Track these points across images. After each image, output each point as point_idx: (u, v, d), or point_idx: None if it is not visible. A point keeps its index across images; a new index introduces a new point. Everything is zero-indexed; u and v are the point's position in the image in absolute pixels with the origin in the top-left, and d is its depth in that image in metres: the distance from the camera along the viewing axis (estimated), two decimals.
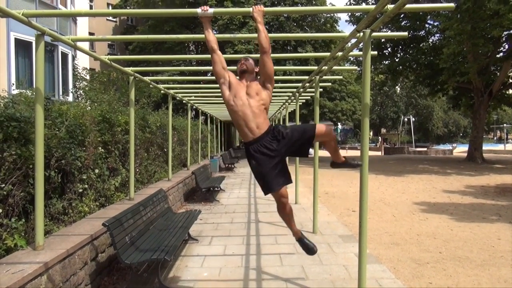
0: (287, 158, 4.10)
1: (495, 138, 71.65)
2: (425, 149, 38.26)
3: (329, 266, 4.77)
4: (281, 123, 15.23)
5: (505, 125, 57.10)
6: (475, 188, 12.18)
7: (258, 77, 3.48)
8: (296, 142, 3.24)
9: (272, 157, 3.20)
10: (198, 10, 3.34)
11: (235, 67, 3.82)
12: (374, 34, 3.67)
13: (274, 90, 10.73)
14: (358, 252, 3.52)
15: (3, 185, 3.67)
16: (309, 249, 3.71)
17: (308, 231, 6.45)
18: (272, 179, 3.22)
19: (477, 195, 10.69)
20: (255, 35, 3.45)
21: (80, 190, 5.03)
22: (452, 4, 3.55)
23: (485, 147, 28.22)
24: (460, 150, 37.49)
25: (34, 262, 3.22)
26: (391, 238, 6.25)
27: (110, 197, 6.01)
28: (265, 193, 3.37)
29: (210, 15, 3.35)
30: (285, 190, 3.32)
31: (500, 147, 42.81)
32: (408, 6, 3.13)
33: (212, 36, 3.39)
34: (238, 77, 3.49)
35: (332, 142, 3.46)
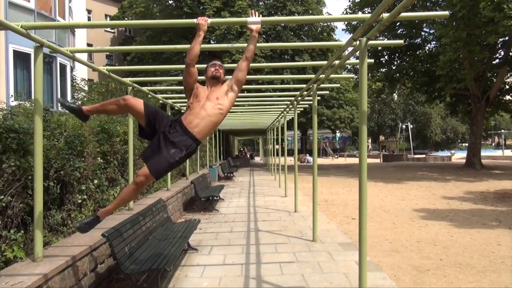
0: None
1: (493, 144, 71.79)
2: (424, 156, 38.29)
3: (329, 274, 4.75)
4: (280, 131, 15.25)
5: (503, 131, 57.23)
6: (474, 194, 12.18)
7: (225, 79, 3.49)
8: (157, 145, 3.15)
9: (162, 139, 3.14)
10: (195, 21, 3.37)
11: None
12: (370, 42, 3.70)
13: (272, 99, 10.78)
14: (359, 259, 3.51)
15: (2, 196, 3.66)
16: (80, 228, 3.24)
17: (308, 239, 6.44)
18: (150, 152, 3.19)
19: (477, 201, 10.69)
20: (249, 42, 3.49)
21: (79, 201, 5.02)
22: (446, 12, 3.60)
23: (484, 153, 28.28)
24: (459, 156, 37.54)
25: (34, 274, 3.20)
26: (391, 245, 6.24)
27: None
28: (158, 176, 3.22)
29: (208, 25, 3.38)
30: (145, 169, 3.13)
31: (498, 153, 42.90)
32: (403, 14, 3.17)
33: (198, 50, 3.33)
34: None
35: (135, 191, 3.24)
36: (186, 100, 3.44)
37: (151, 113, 3.25)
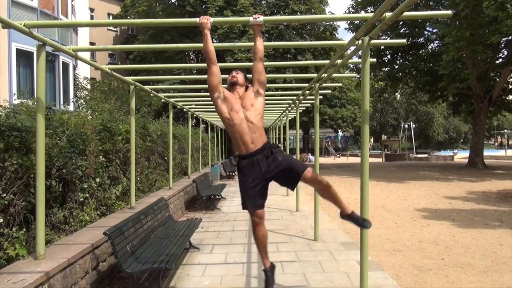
0: None
1: (496, 144, 71.57)
2: (426, 155, 38.18)
3: (330, 273, 4.75)
4: (282, 130, 15.25)
5: (505, 130, 57.04)
6: (477, 194, 12.15)
7: (249, 85, 3.52)
8: (282, 172, 3.26)
9: (257, 178, 3.24)
10: (198, 20, 3.37)
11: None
12: (373, 41, 3.70)
13: (274, 98, 10.77)
14: (360, 259, 3.52)
15: (5, 194, 3.67)
16: (361, 224, 3.56)
17: (310, 239, 6.43)
18: (249, 198, 3.27)
19: (479, 201, 10.66)
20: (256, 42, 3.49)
21: (81, 199, 5.03)
22: (449, 12, 3.59)
23: (486, 153, 28.20)
24: (461, 156, 37.44)
25: (35, 272, 3.22)
26: (393, 245, 6.23)
27: (111, 206, 6.00)
28: (243, 208, 3.40)
29: (211, 24, 3.39)
30: (262, 211, 3.31)
31: (501, 153, 42.75)
32: (406, 13, 3.16)
33: (212, 47, 3.39)
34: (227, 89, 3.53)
35: (325, 192, 3.49)
36: (211, 99, 3.45)
37: (257, 198, 3.32)
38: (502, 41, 19.77)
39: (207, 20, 3.34)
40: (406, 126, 53.33)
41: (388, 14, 3.14)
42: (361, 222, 3.45)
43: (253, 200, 3.26)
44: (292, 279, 4.59)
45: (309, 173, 3.26)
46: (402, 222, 7.98)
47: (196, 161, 14.77)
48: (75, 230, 4.68)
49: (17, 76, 12.91)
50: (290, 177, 3.30)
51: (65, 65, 15.12)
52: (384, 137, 65.47)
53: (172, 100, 9.36)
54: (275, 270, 3.57)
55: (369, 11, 23.36)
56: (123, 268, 3.87)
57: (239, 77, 3.51)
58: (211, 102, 11.76)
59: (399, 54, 25.30)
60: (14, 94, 11.68)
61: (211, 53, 3.35)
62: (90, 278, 4.01)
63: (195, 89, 11.78)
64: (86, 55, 20.30)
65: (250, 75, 3.65)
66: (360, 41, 3.59)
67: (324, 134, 55.00)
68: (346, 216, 3.54)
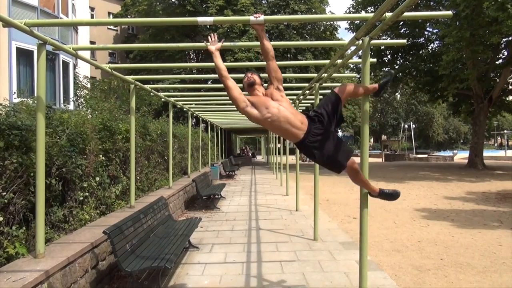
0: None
1: (495, 145, 71.59)
2: (426, 155, 38.21)
3: (330, 273, 4.76)
4: None
5: (505, 131, 57.06)
6: (476, 194, 12.16)
7: (266, 85, 3.52)
8: (330, 112, 3.34)
9: (327, 137, 3.28)
10: (199, 19, 3.38)
11: (234, 75, 3.84)
12: (373, 41, 3.70)
13: None
14: (359, 259, 3.52)
15: (4, 193, 3.68)
16: (392, 195, 3.93)
17: (309, 238, 6.44)
18: (339, 156, 3.37)
19: (478, 202, 10.67)
20: (255, 43, 3.50)
21: (81, 198, 5.04)
22: (449, 12, 3.59)
23: (486, 153, 28.21)
24: (461, 156, 37.46)
25: (35, 270, 3.22)
26: (392, 245, 6.24)
27: (110, 205, 6.01)
28: (339, 172, 3.53)
29: (210, 23, 3.39)
30: (352, 159, 3.45)
31: (501, 153, 42.77)
32: (406, 14, 3.16)
33: (223, 64, 3.34)
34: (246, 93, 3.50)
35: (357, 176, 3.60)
36: (240, 112, 3.41)
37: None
38: (502, 42, 19.78)
39: (214, 43, 3.36)
40: (406, 126, 53.40)
41: (388, 14, 3.15)
42: (393, 193, 3.92)
43: (343, 153, 3.39)
44: (291, 278, 4.59)
45: (341, 87, 3.45)
46: (401, 222, 7.98)
47: (196, 160, 14.78)
48: (75, 229, 4.69)
49: (17, 75, 12.90)
50: (335, 107, 3.41)
51: (65, 64, 15.11)
52: (384, 137, 65.50)
53: (172, 99, 9.36)
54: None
55: (369, 11, 23.40)
56: (123, 267, 3.87)
57: (255, 77, 3.49)
58: (211, 102, 11.79)
59: (400, 54, 25.33)
60: (14, 92, 11.67)
61: (222, 69, 3.30)
62: (90, 277, 4.02)
63: (195, 88, 11.80)
64: (86, 54, 20.29)
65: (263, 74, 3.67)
66: (360, 41, 3.59)
67: None
68: (377, 195, 3.92)
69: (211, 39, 3.38)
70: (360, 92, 3.54)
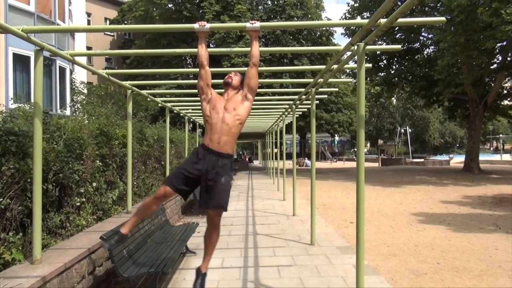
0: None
1: (491, 149, 71.93)
2: (422, 160, 38.33)
3: (327, 278, 4.76)
4: (278, 135, 15.27)
5: (501, 135, 57.38)
6: (472, 198, 12.21)
7: (240, 89, 3.55)
8: (208, 187, 3.29)
9: (196, 170, 3.29)
10: (195, 26, 3.40)
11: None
12: (368, 47, 3.74)
13: (271, 102, 10.79)
14: (356, 263, 3.53)
15: (1, 199, 3.67)
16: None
17: (306, 243, 6.45)
18: (176, 176, 3.37)
19: (475, 205, 10.71)
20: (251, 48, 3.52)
21: (78, 204, 5.03)
22: (443, 18, 3.63)
23: (482, 157, 28.33)
24: (457, 160, 37.57)
25: (32, 276, 3.21)
26: (389, 249, 6.25)
27: (107, 210, 6.00)
28: (203, 207, 3.46)
29: (207, 30, 3.41)
30: (170, 193, 3.39)
31: (497, 157, 42.96)
32: (400, 20, 3.20)
33: (204, 52, 3.46)
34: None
35: (210, 234, 3.53)
36: (200, 103, 3.51)
37: (177, 183, 3.34)
38: (496, 47, 19.93)
39: (203, 26, 3.40)
40: (402, 130, 53.59)
41: (383, 21, 3.19)
42: (201, 278, 3.60)
43: (177, 179, 3.33)
44: (288, 283, 4.59)
45: (215, 214, 3.38)
46: (398, 227, 8.01)
47: None
48: (72, 234, 4.68)
49: (14, 81, 12.89)
50: (206, 197, 3.34)
51: (62, 70, 15.10)
52: (380, 141, 65.67)
53: (169, 104, 9.38)
54: (124, 239, 3.67)
55: (365, 16, 23.54)
56: (120, 273, 3.87)
57: (235, 79, 3.54)
58: None
59: (395, 59, 25.48)
60: (11, 98, 11.66)
61: (202, 56, 3.45)
62: (87, 283, 4.00)
63: (192, 93, 11.78)
64: (83, 60, 20.29)
65: None
66: (355, 47, 3.63)
67: (320, 139, 55.14)
68: (199, 271, 3.63)
69: (201, 25, 3.41)
70: (208, 239, 3.60)
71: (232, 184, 17.30)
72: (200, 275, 3.56)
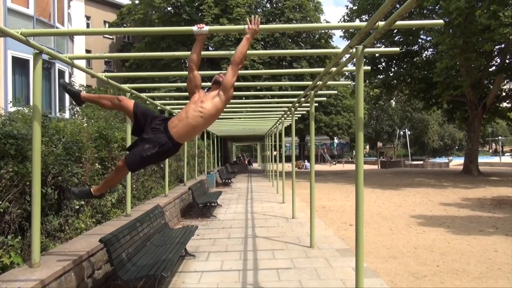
0: None
1: (490, 151, 71.98)
2: (422, 162, 38.34)
3: (326, 280, 4.75)
4: (278, 138, 15.28)
5: (500, 137, 57.45)
6: (472, 200, 12.21)
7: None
8: (138, 142, 3.32)
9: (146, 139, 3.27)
10: (194, 28, 3.40)
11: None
12: (367, 50, 3.75)
13: (270, 105, 10.78)
14: (355, 266, 3.52)
15: (0, 202, 3.67)
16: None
17: (306, 246, 6.44)
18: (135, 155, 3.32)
19: (474, 208, 10.71)
20: (251, 51, 3.51)
21: (77, 207, 5.03)
22: (441, 21, 3.65)
23: (481, 159, 28.36)
24: (456, 163, 37.61)
25: (31, 280, 3.20)
26: (388, 251, 6.25)
27: (106, 213, 5.99)
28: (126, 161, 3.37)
29: (205, 33, 3.41)
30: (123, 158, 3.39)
31: (496, 159, 43.00)
32: (398, 22, 3.21)
33: (195, 56, 3.42)
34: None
35: (116, 175, 3.48)
36: None
37: (140, 113, 3.39)
38: (495, 49, 20.00)
39: (202, 28, 3.39)
40: (402, 133, 53.58)
41: (381, 23, 3.19)
42: (86, 194, 3.62)
43: (139, 106, 3.43)
44: (288, 286, 4.59)
45: (122, 160, 3.33)
46: (397, 229, 8.00)
47: (192, 168, 14.76)
48: (71, 237, 4.67)
49: (13, 84, 12.89)
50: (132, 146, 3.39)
51: (61, 73, 15.12)
52: (379, 144, 65.70)
53: (168, 107, 9.38)
54: (89, 195, 3.63)
55: (363, 19, 23.59)
56: (119, 276, 3.86)
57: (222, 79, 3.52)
58: None
59: (394, 61, 25.53)
60: (10, 101, 11.65)
61: (192, 61, 3.46)
62: (86, 286, 3.99)
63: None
64: (82, 63, 20.27)
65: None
66: (354, 49, 3.63)
67: (320, 141, 55.16)
68: (90, 192, 3.58)
69: (199, 27, 3.39)
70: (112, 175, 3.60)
71: (235, 187, 17.29)
72: (89, 191, 3.59)
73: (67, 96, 15.33)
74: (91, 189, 3.56)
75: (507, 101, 25.02)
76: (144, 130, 3.32)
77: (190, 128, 3.28)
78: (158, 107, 9.01)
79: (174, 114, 10.19)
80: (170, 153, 3.38)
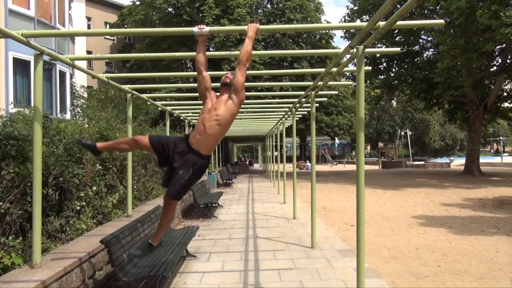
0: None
1: (492, 151, 71.85)
2: (423, 162, 38.29)
3: (327, 281, 4.75)
4: (279, 138, 15.29)
5: (501, 138, 57.35)
6: (473, 201, 12.19)
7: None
8: (170, 171, 3.33)
9: (188, 171, 3.27)
10: (194, 29, 3.39)
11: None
12: (367, 50, 3.75)
13: (271, 105, 10.78)
14: (356, 266, 3.52)
15: (1, 203, 3.67)
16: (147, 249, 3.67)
17: (307, 246, 6.43)
18: (177, 187, 3.31)
19: (475, 208, 10.69)
20: (252, 52, 3.49)
21: (78, 208, 5.03)
22: (442, 21, 3.64)
23: (482, 160, 28.29)
24: (458, 163, 37.52)
25: (32, 281, 3.21)
26: (389, 252, 6.24)
27: (107, 214, 5.99)
28: (169, 197, 3.38)
29: (206, 34, 3.41)
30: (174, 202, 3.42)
31: (497, 159, 42.93)
32: (399, 22, 3.21)
33: (201, 57, 3.44)
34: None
35: (164, 213, 3.49)
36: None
37: (156, 143, 3.42)
38: (496, 49, 19.97)
39: (202, 29, 3.39)
40: (403, 133, 53.55)
41: (381, 23, 3.19)
42: (148, 249, 3.63)
43: (157, 140, 3.46)
44: (289, 286, 4.58)
45: (166, 198, 3.36)
46: (398, 229, 7.99)
47: None
48: (72, 238, 4.67)
49: (14, 85, 12.91)
50: (168, 180, 3.37)
51: (62, 74, 15.13)
52: (380, 144, 65.63)
53: (169, 108, 9.38)
54: (151, 248, 3.65)
55: (364, 19, 23.56)
56: (120, 277, 3.86)
57: (232, 79, 3.50)
58: None
59: (395, 62, 25.50)
60: (11, 103, 11.68)
61: (198, 62, 3.47)
62: (87, 287, 3.99)
63: (192, 97, 11.80)
64: (83, 64, 20.31)
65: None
66: (355, 50, 3.63)
67: (321, 142, 55.12)
68: (151, 244, 3.60)
69: (200, 28, 3.39)
70: (165, 217, 3.56)
71: (236, 187, 17.29)
72: (148, 244, 3.61)
73: (68, 97, 15.37)
74: (150, 241, 3.57)
75: (509, 101, 24.98)
76: (170, 158, 3.32)
77: (212, 138, 3.32)
78: (159, 108, 9.01)
79: (175, 114, 10.21)
80: (204, 167, 3.39)
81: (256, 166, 45.52)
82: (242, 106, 9.87)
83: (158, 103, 8.76)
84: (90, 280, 4.09)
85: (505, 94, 24.06)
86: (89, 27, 28.89)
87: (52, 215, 4.50)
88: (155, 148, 3.40)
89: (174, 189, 3.25)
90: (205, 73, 3.48)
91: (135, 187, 7.50)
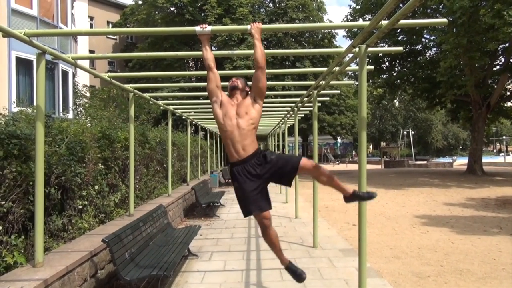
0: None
1: (494, 151, 71.62)
2: (425, 162, 38.18)
3: (329, 280, 4.74)
4: (281, 138, 15.28)
5: (504, 137, 57.14)
6: (476, 200, 12.15)
7: (249, 92, 3.54)
8: (279, 170, 3.28)
9: (254, 181, 3.23)
10: (197, 28, 3.39)
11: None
12: (370, 49, 3.73)
13: (273, 105, 10.78)
14: (358, 266, 3.52)
15: (3, 202, 3.68)
16: (298, 276, 3.68)
17: (309, 246, 6.43)
18: (251, 202, 3.26)
19: (478, 208, 10.66)
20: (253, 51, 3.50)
21: (80, 207, 5.03)
22: (445, 20, 3.62)
23: (485, 159, 28.20)
24: (460, 162, 37.43)
25: (34, 279, 3.21)
26: (391, 251, 6.23)
27: (109, 213, 6.00)
28: (244, 215, 3.39)
29: (208, 33, 3.41)
30: (267, 213, 3.34)
31: (500, 159, 42.78)
32: (402, 21, 3.20)
33: (209, 54, 3.45)
34: (228, 95, 3.55)
35: (323, 177, 3.46)
36: (211, 106, 3.50)
37: (258, 198, 3.31)
38: (499, 48, 19.88)
39: (204, 32, 3.39)
40: (405, 132, 53.41)
41: (384, 22, 3.18)
42: (368, 196, 3.58)
43: (257, 203, 3.26)
44: (291, 286, 4.58)
45: (304, 161, 3.30)
46: (401, 229, 7.97)
47: (195, 168, 14.77)
48: (74, 237, 4.68)
49: (17, 84, 12.94)
50: (287, 171, 3.30)
51: (65, 73, 15.16)
52: (383, 144, 65.51)
53: (171, 107, 9.39)
54: (292, 263, 3.74)
55: (366, 18, 23.49)
56: (122, 276, 3.86)
57: (239, 82, 3.53)
58: (210, 109, 11.83)
59: (397, 61, 25.43)
60: (14, 102, 11.71)
61: (207, 60, 3.44)
62: (89, 286, 4.00)
63: (194, 96, 11.82)
64: (85, 63, 20.35)
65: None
66: (357, 49, 3.62)
67: (323, 141, 55.05)
68: (350, 197, 3.60)
69: (202, 27, 3.39)
70: (326, 181, 3.52)
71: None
72: (287, 269, 3.71)
73: (70, 96, 15.40)
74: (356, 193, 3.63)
75: None
76: (266, 177, 3.32)
77: (254, 137, 3.41)
78: (161, 107, 9.01)
79: (177, 113, 10.20)
80: (265, 152, 3.40)
81: None
82: None
83: (160, 102, 8.77)
84: (92, 279, 4.10)
85: (508, 93, 23.95)
86: (91, 26, 28.92)
87: (54, 214, 4.51)
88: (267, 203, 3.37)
89: (242, 208, 3.34)
90: (215, 70, 3.49)
91: (137, 186, 7.51)
